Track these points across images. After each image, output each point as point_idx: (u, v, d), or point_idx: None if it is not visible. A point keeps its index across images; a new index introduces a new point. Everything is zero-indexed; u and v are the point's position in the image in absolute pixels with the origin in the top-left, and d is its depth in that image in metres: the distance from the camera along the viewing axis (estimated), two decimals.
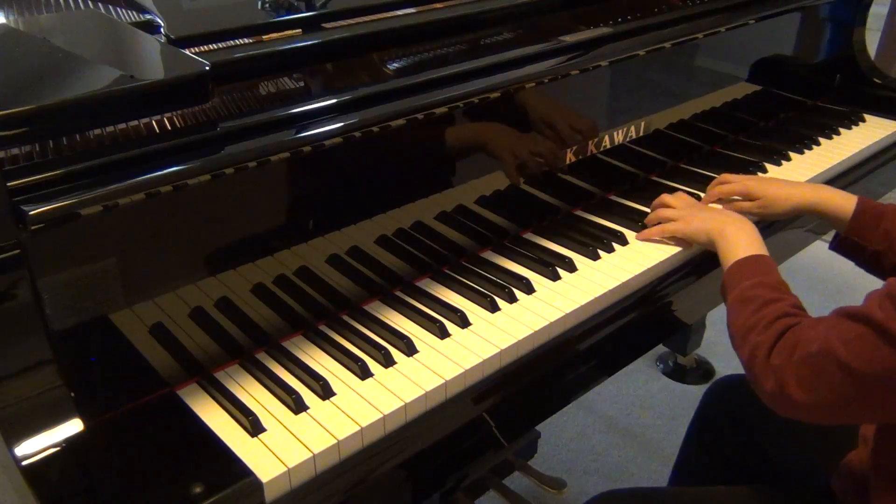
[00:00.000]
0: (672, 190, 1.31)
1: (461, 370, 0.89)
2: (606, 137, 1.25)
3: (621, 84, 1.26)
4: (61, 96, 0.72)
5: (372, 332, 0.96)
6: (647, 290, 1.10)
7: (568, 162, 1.20)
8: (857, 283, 2.47)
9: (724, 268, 1.00)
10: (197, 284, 0.86)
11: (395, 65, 1.05)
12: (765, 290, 0.91)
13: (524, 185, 1.16)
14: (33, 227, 0.71)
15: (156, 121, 0.85)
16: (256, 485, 0.75)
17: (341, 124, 0.90)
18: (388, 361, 0.90)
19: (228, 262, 0.88)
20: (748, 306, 0.90)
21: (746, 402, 1.18)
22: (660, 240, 1.15)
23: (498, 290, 1.03)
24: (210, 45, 0.92)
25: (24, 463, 0.71)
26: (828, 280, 2.55)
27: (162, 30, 0.92)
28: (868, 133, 1.57)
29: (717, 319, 2.10)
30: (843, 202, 1.09)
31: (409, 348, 0.92)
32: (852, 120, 1.62)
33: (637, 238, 1.16)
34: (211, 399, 0.86)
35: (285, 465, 0.76)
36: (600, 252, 1.12)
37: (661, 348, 2.19)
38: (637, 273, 1.08)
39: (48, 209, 0.71)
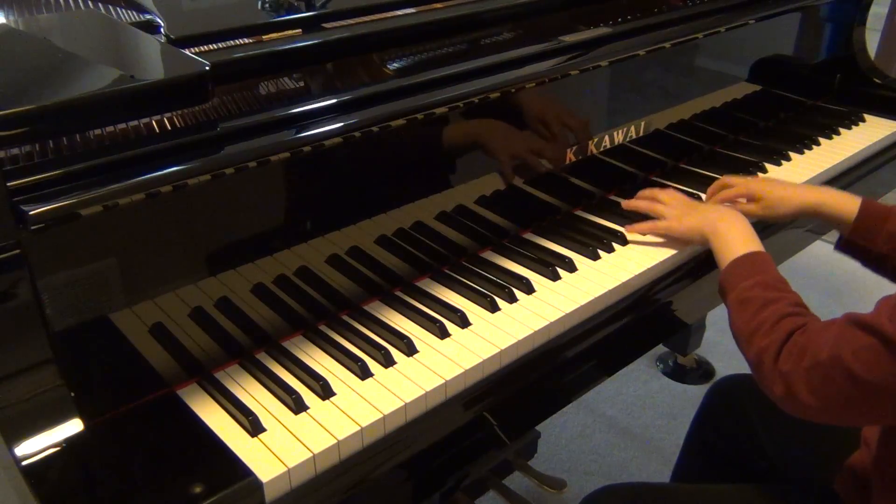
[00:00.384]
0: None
1: (461, 370, 0.89)
2: (607, 137, 1.25)
3: (621, 84, 1.26)
4: (61, 96, 0.72)
5: (372, 332, 0.96)
6: (646, 291, 1.10)
7: (568, 162, 1.20)
8: (857, 283, 2.48)
9: (721, 266, 1.00)
10: (197, 284, 0.86)
11: (395, 65, 1.05)
12: (764, 289, 0.91)
13: (524, 185, 1.16)
14: (33, 227, 0.71)
15: (156, 121, 0.85)
16: (256, 485, 0.75)
17: (341, 124, 0.90)
18: (388, 361, 0.90)
19: (228, 262, 0.88)
20: (749, 307, 0.90)
21: (748, 402, 1.18)
22: (651, 237, 1.15)
23: (498, 290, 1.03)
24: (210, 45, 0.92)
25: (24, 463, 0.71)
26: (828, 280, 2.54)
27: (162, 30, 0.92)
28: (868, 133, 1.57)
29: (717, 319, 2.10)
30: (847, 204, 1.08)
31: (409, 348, 0.92)
32: (852, 120, 1.62)
33: (626, 230, 1.16)
34: (211, 399, 0.86)
35: (285, 466, 0.76)
36: (600, 252, 1.12)
37: (661, 348, 2.19)
38: (637, 273, 1.08)
39: (48, 209, 0.71)
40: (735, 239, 1.00)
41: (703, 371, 2.15)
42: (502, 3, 1.18)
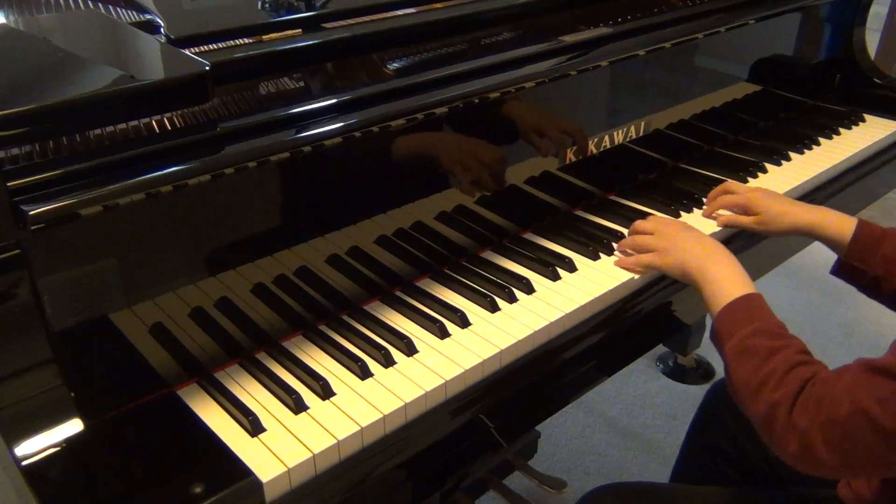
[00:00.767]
0: (672, 189, 1.31)
1: (461, 370, 0.89)
2: (606, 137, 1.25)
3: (621, 84, 1.26)
4: (61, 96, 0.72)
5: (372, 332, 0.96)
6: (646, 291, 1.10)
7: (568, 162, 1.20)
8: None
9: (712, 313, 0.93)
10: (197, 284, 0.86)
11: (395, 65, 1.05)
12: (765, 338, 0.85)
13: (524, 185, 1.16)
14: (33, 227, 0.71)
15: (156, 121, 0.85)
16: (256, 485, 0.75)
17: (341, 124, 0.90)
18: (388, 361, 0.90)
19: (228, 262, 0.88)
20: (753, 358, 0.83)
21: None
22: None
23: (498, 290, 1.03)
24: (210, 45, 0.92)
25: (24, 463, 0.71)
26: (828, 280, 2.54)
27: (162, 30, 0.92)
28: (868, 133, 1.57)
29: None
30: (843, 225, 1.06)
31: (409, 348, 0.92)
32: (852, 120, 1.62)
33: (615, 265, 1.10)
34: (211, 399, 0.86)
35: (285, 466, 0.76)
36: (600, 252, 1.12)
37: (661, 348, 2.19)
38: (636, 273, 1.08)
39: (48, 209, 0.71)
40: (725, 280, 0.93)
41: (703, 371, 2.15)
42: (502, 3, 1.18)
